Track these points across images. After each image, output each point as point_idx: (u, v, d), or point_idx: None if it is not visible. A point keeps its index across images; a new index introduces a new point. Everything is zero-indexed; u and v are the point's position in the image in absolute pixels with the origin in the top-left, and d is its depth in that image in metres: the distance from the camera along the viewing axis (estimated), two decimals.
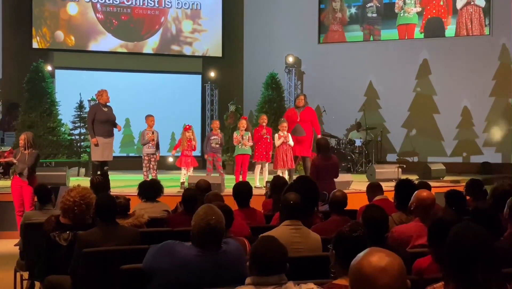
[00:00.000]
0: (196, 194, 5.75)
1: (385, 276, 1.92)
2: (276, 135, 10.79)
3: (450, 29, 16.19)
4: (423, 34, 16.43)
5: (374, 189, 6.27)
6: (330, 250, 3.09)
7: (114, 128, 10.57)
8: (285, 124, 10.76)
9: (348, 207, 5.29)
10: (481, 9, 15.88)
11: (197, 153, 11.96)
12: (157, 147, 10.72)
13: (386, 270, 1.92)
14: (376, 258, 1.96)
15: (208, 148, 11.09)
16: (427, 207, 4.60)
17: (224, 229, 3.41)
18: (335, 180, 8.67)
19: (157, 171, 10.74)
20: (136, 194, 6.34)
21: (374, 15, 16.94)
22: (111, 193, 6.48)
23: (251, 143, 10.97)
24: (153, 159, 10.66)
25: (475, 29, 15.95)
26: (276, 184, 6.53)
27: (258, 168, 10.93)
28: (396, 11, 16.69)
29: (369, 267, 1.94)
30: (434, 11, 16.34)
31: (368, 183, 6.77)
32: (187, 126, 11.03)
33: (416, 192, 4.77)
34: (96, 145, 10.24)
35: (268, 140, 10.94)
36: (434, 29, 16.31)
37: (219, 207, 3.57)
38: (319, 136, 11.39)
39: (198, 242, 3.31)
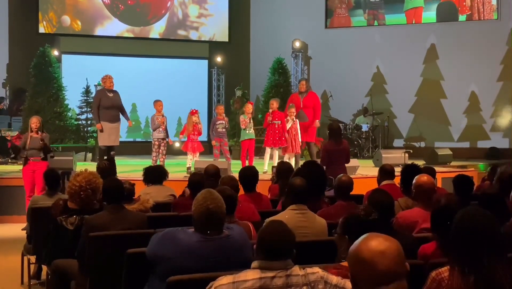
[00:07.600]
0: (202, 179, 5.75)
1: (385, 260, 1.92)
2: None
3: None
4: (435, 18, 16.27)
5: (384, 172, 6.16)
6: (337, 235, 3.07)
7: (120, 114, 10.57)
8: (293, 110, 10.73)
9: (354, 192, 5.29)
10: None
11: (203, 138, 11.93)
12: (166, 131, 10.72)
13: (385, 253, 1.93)
14: (374, 242, 1.97)
15: (214, 133, 11.05)
16: (426, 191, 4.57)
17: (225, 214, 3.40)
18: (346, 165, 8.53)
19: (165, 156, 10.75)
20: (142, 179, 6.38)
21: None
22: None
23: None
24: (163, 144, 10.63)
25: (485, 14, 15.80)
26: (281, 169, 6.53)
27: (267, 153, 10.91)
28: None
29: (367, 252, 1.94)
30: None
31: (382, 164, 6.66)
32: (194, 111, 10.99)
33: (415, 177, 4.73)
34: (101, 130, 10.26)
35: (276, 126, 10.82)
36: (446, 13, 16.14)
37: (222, 192, 3.57)
38: (317, 120, 11.33)
39: (199, 227, 3.33)
